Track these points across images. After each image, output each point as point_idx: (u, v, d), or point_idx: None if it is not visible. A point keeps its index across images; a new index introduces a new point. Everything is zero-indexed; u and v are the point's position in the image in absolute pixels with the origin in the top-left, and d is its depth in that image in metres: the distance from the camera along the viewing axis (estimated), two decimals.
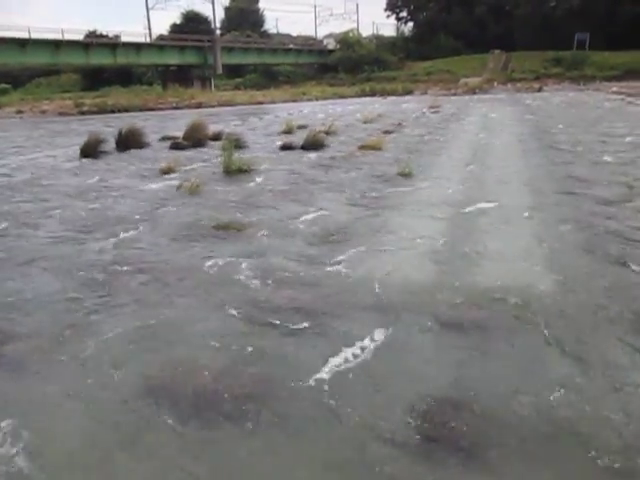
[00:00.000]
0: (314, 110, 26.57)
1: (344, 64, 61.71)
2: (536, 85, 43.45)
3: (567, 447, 2.31)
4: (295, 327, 3.47)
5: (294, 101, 36.58)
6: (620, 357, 2.98)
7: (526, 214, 6.03)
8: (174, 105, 32.94)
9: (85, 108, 30.21)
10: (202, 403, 2.70)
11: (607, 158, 9.40)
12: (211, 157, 11.03)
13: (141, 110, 29.83)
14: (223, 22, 70.38)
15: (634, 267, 4.26)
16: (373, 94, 41.61)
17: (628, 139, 11.80)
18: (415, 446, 2.34)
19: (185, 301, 3.93)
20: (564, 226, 5.49)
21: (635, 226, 5.35)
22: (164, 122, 21.54)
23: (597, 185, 7.27)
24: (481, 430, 2.43)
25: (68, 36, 41.79)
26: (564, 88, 41.83)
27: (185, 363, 3.07)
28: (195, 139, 13.19)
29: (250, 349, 3.21)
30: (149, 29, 52.33)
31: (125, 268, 4.65)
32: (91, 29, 52.62)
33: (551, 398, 2.62)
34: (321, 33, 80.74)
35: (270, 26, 78.18)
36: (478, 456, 2.27)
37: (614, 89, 35.09)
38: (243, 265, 4.61)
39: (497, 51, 61.76)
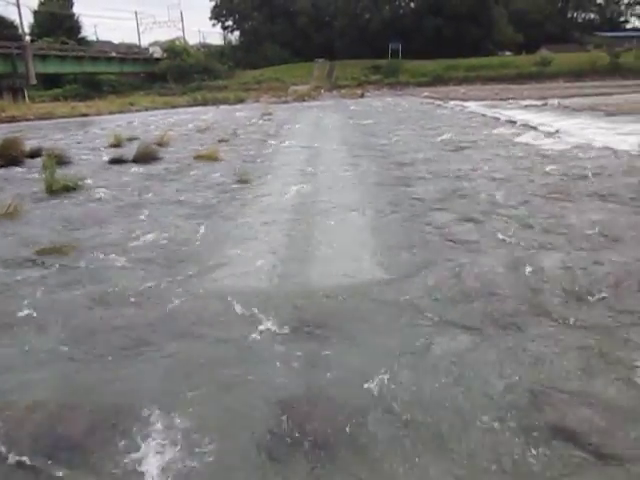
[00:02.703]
0: (145, 121, 25.54)
1: (173, 73, 60.20)
2: (359, 91, 46.53)
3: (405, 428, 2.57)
4: (136, 349, 3.35)
5: (122, 112, 34.78)
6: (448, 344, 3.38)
7: (353, 211, 6.48)
8: None
9: None
10: (41, 442, 2.50)
11: (415, 149, 10.46)
12: (30, 176, 10.06)
13: None
14: (33, 27, 64.18)
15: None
16: (205, 103, 41.25)
17: (439, 139, 13.21)
18: (270, 444, 2.43)
19: (6, 335, 3.58)
20: (384, 213, 6.01)
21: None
22: None
23: (413, 176, 8.08)
24: (330, 422, 2.59)
25: None
26: (384, 94, 45.39)
27: (15, 403, 2.81)
28: (9, 157, 11.87)
29: (86, 378, 3.04)
30: None
31: None
32: None
33: (388, 388, 2.88)
34: (145, 41, 77.63)
35: (88, 33, 72.92)
36: (330, 445, 2.43)
37: (426, 94, 38.93)
38: (71, 290, 4.31)
39: (321, 60, 64.93)
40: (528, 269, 4.25)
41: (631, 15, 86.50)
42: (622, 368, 2.88)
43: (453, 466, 2.26)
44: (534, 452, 2.30)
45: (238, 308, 3.84)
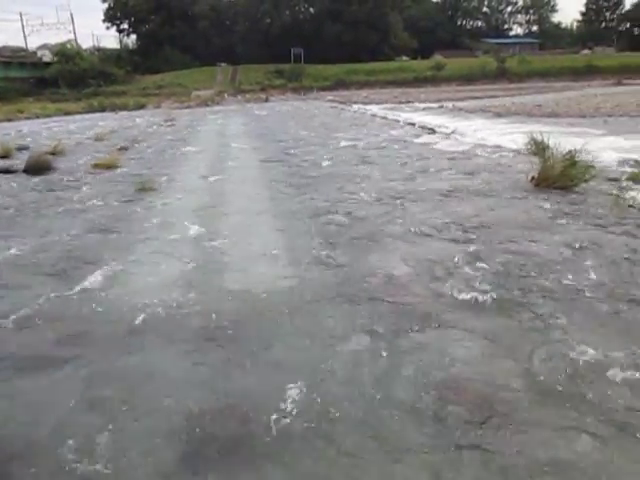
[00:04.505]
0: (36, 129, 23.95)
1: (65, 78, 57.02)
2: (263, 96, 46.66)
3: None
4: (29, 374, 3.13)
5: (9, 120, 32.35)
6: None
7: (257, 214, 6.46)
8: None
9: None
10: None
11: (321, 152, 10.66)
12: None
13: None
14: None
15: None
16: (103, 109, 39.54)
17: (343, 144, 13.50)
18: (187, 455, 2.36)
19: None
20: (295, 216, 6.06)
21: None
22: None
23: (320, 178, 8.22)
24: (244, 430, 2.56)
25: None
26: (288, 98, 45.78)
27: None
28: None
29: None
30: None
31: None
32: None
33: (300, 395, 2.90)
34: (33, 44, 72.43)
35: None
36: (243, 454, 2.41)
37: (329, 98, 39.75)
38: None
39: (224, 64, 64.34)
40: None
41: (513, 23, 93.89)
42: None
43: (364, 466, 2.31)
44: None
45: (139, 321, 3.69)
